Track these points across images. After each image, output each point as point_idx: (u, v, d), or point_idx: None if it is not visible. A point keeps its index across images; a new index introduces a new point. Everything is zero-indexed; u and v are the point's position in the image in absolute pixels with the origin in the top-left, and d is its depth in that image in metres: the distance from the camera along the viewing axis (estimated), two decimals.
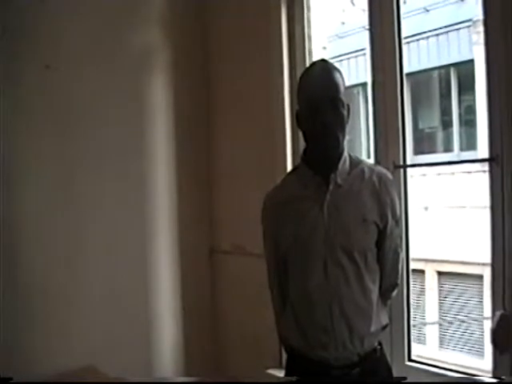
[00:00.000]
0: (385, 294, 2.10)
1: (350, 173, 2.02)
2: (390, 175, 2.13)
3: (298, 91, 2.06)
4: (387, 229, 2.02)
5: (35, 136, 2.99)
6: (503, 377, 2.24)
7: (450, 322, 6.14)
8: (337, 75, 1.98)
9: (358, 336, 1.97)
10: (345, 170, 2.01)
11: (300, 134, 2.12)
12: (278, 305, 2.20)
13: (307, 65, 2.95)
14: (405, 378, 2.20)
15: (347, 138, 2.01)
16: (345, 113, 1.96)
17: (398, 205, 2.09)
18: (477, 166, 4.59)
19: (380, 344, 2.06)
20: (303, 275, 2.01)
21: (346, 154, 2.02)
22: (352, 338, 1.96)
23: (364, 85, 6.11)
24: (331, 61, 2.13)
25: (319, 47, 3.19)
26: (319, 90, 1.95)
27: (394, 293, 2.18)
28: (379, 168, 2.16)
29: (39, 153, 3.00)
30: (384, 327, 2.07)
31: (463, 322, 5.97)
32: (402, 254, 2.22)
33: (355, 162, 2.05)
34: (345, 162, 2.02)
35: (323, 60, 2.11)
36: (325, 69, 2.01)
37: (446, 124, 6.38)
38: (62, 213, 3.06)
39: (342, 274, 1.96)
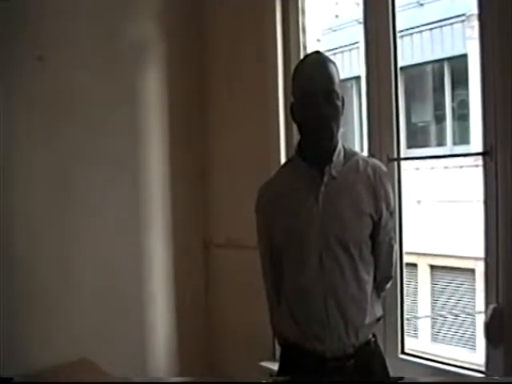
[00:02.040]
0: (379, 287, 2.11)
1: (344, 165, 2.02)
2: (384, 167, 2.13)
3: (293, 83, 2.05)
4: (382, 221, 2.02)
5: (27, 129, 2.96)
6: (496, 376, 2.27)
7: (443, 316, 6.16)
8: (331, 67, 1.97)
9: (352, 328, 1.97)
10: (339, 162, 2.01)
11: (294, 126, 2.12)
12: (273, 298, 2.20)
13: (301, 57, 2.95)
14: (402, 378, 2.21)
15: (341, 130, 2.01)
16: (339, 105, 1.95)
17: (393, 197, 2.10)
18: (469, 160, 4.60)
19: (374, 336, 2.07)
20: (298, 267, 2.01)
21: (340, 146, 2.02)
22: (347, 329, 1.96)
23: (358, 78, 6.11)
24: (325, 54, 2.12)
25: (313, 40, 3.20)
26: (313, 82, 1.94)
27: (388, 285, 2.19)
28: (374, 160, 2.16)
29: (32, 145, 2.97)
30: (378, 319, 2.07)
31: (456, 315, 5.99)
32: (396, 247, 2.23)
33: (350, 154, 2.05)
34: (339, 154, 2.01)
35: (317, 52, 2.10)
36: (319, 61, 2.00)
37: (440, 118, 6.39)
38: (55, 207, 3.04)
39: (337, 266, 1.96)
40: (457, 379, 2.46)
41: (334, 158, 1.99)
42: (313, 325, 1.98)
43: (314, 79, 1.95)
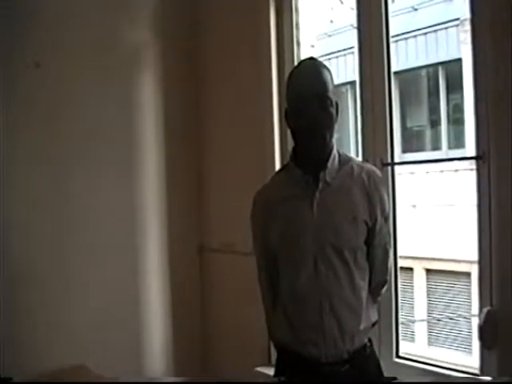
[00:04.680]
0: (374, 291, 2.11)
1: (339, 171, 2.02)
2: (378, 172, 2.14)
3: (287, 89, 2.06)
4: (376, 226, 2.02)
5: (24, 132, 2.98)
6: (492, 377, 2.27)
7: (438, 320, 6.16)
8: (325, 73, 1.98)
9: (348, 333, 1.97)
10: (334, 168, 2.01)
11: (288, 132, 2.13)
12: (268, 303, 2.20)
13: (296, 63, 2.96)
14: (395, 378, 2.21)
15: (336, 136, 2.01)
16: (333, 111, 1.95)
17: (387, 202, 2.11)
18: (465, 164, 4.60)
19: (370, 341, 2.07)
20: (293, 273, 2.01)
21: (335, 151, 2.02)
22: (342, 335, 1.96)
23: (352, 83, 6.11)
24: (320, 59, 2.13)
25: (308, 45, 3.21)
26: (307, 88, 1.94)
27: (384, 290, 2.19)
28: (368, 165, 2.17)
29: (29, 149, 2.99)
30: (373, 324, 2.08)
31: (451, 319, 6.00)
32: (391, 252, 2.23)
33: (344, 160, 2.05)
34: (334, 160, 2.01)
35: (312, 58, 2.11)
36: (313, 67, 2.00)
37: (434, 122, 6.39)
38: (51, 210, 3.06)
39: (332, 272, 1.96)
40: (449, 380, 2.47)
41: (329, 163, 1.99)
42: (308, 330, 1.99)
43: (308, 85, 1.95)
